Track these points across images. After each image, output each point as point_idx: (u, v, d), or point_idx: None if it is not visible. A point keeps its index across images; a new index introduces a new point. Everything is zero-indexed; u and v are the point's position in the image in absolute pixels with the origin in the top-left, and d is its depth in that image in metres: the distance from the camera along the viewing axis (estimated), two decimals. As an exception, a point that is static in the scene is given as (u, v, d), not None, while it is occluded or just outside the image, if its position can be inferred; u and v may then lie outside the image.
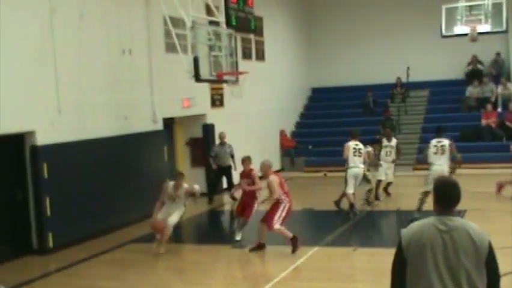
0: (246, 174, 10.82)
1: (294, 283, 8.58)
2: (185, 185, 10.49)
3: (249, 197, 10.65)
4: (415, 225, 3.65)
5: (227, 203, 15.46)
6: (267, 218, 9.78)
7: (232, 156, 15.01)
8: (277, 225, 9.65)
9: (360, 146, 12.89)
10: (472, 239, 3.48)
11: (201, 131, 16.33)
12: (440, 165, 11.65)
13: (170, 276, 9.19)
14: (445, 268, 3.48)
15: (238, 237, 10.68)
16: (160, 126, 14.16)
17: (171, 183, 10.53)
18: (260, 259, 9.88)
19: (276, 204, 9.73)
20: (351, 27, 22.99)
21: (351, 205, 12.66)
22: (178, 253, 11.09)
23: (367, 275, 8.79)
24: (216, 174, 15.33)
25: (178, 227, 10.97)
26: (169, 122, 15.27)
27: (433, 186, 3.71)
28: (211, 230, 13.56)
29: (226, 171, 15.14)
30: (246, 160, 11.07)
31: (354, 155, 12.75)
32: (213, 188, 15.49)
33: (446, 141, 11.85)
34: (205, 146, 16.22)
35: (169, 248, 10.35)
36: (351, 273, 8.99)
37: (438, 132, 12.22)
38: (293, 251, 9.54)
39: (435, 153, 11.83)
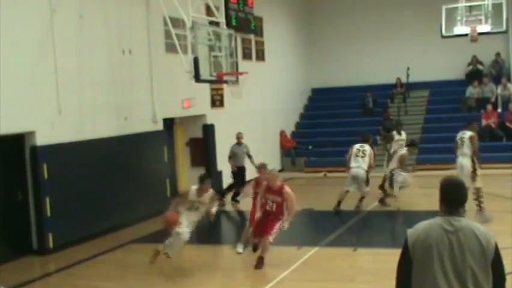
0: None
1: (295, 283, 8.57)
2: (211, 190, 9.28)
3: (273, 215, 9.31)
4: (421, 226, 3.63)
5: (228, 203, 15.47)
6: (267, 229, 9.16)
7: (250, 156, 14.99)
8: (271, 238, 9.11)
9: (366, 147, 12.85)
10: (479, 239, 3.47)
11: (201, 131, 16.33)
12: (460, 156, 11.58)
13: (170, 276, 9.18)
14: (451, 268, 3.47)
15: (239, 249, 10.04)
16: (160, 126, 14.15)
17: (193, 189, 9.15)
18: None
19: (278, 218, 9.25)
20: (351, 27, 22.98)
21: (339, 202, 12.78)
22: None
23: (367, 276, 8.78)
24: (235, 175, 15.21)
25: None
26: (169, 123, 15.28)
27: (439, 186, 3.69)
28: (211, 230, 13.53)
29: (241, 171, 15.12)
30: (263, 168, 10.24)
31: (357, 155, 12.75)
32: (227, 190, 15.44)
33: (467, 134, 11.72)
34: (205, 147, 16.23)
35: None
36: (351, 274, 8.99)
37: (466, 125, 12.19)
38: (256, 267, 9.01)
39: (457, 146, 11.77)
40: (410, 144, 13.69)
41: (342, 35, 23.17)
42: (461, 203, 3.61)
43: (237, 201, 15.05)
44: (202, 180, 9.12)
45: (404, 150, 13.46)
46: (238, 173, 15.11)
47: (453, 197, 3.61)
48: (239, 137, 15.13)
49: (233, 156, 15.03)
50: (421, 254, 3.54)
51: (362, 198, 12.99)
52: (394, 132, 14.36)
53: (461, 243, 3.48)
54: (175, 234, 8.94)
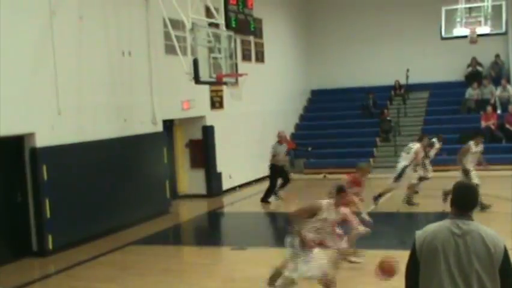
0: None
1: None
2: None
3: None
4: (430, 228, 3.67)
5: (230, 202, 15.45)
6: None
7: (288, 154, 15.37)
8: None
9: (412, 146, 13.28)
10: (485, 244, 3.47)
11: (200, 132, 16.33)
12: None
13: (170, 278, 9.18)
14: (457, 272, 3.48)
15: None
16: (159, 128, 14.15)
17: (326, 203, 7.12)
18: (260, 260, 9.85)
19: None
20: (351, 29, 23.01)
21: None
22: (178, 255, 11.10)
23: (368, 277, 8.76)
24: (276, 173, 15.18)
25: None
26: (168, 124, 15.27)
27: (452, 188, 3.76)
28: (211, 232, 13.54)
29: (283, 170, 15.20)
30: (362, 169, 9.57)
31: (404, 151, 13.44)
32: (272, 188, 15.33)
33: None
34: (205, 148, 16.23)
35: (169, 250, 10.34)
36: (351, 275, 8.96)
37: None
38: None
39: None
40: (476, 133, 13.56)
41: (341, 36, 23.20)
42: (470, 207, 3.63)
43: (273, 201, 14.99)
44: (340, 191, 7.18)
45: (470, 143, 12.80)
46: (282, 171, 15.15)
47: (463, 200, 3.64)
48: (282, 136, 15.27)
49: (276, 155, 15.07)
50: (427, 256, 3.57)
51: (380, 194, 13.19)
52: (435, 140, 14.46)
53: (467, 246, 3.48)
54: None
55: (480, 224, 3.61)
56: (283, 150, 15.20)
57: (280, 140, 15.26)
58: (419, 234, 3.67)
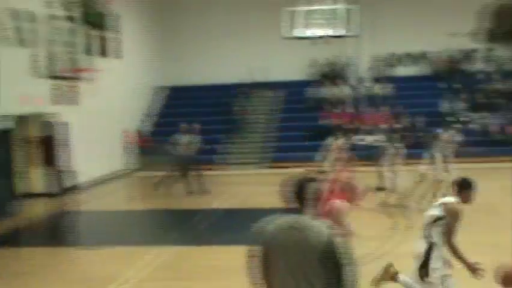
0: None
1: (142, 284, 8.40)
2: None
3: None
4: (267, 222, 3.76)
5: (82, 201, 15.02)
6: None
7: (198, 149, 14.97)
8: None
9: None
10: (311, 237, 3.58)
11: (50, 129, 15.63)
12: None
13: (21, 281, 8.73)
14: (285, 265, 3.62)
15: None
16: (3, 124, 13.33)
17: (455, 201, 5.68)
18: (114, 259, 9.68)
19: None
20: (203, 26, 23.38)
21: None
22: (19, 257, 10.54)
23: (222, 273, 8.85)
24: (180, 164, 14.86)
25: None
26: (16, 120, 14.47)
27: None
28: (62, 232, 13.07)
29: (183, 161, 14.90)
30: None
31: None
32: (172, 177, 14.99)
33: None
34: (54, 146, 15.59)
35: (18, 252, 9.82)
36: (206, 272, 8.99)
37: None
38: None
39: None
40: None
41: (194, 34, 23.54)
42: (303, 202, 3.77)
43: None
44: (467, 186, 5.76)
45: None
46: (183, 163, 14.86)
47: (296, 195, 3.80)
48: (185, 127, 15.14)
49: (176, 144, 14.86)
50: (263, 251, 3.72)
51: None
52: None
53: (295, 241, 3.60)
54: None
55: (309, 218, 3.73)
56: (184, 140, 15.02)
57: (183, 130, 15.16)
58: (258, 229, 3.78)
